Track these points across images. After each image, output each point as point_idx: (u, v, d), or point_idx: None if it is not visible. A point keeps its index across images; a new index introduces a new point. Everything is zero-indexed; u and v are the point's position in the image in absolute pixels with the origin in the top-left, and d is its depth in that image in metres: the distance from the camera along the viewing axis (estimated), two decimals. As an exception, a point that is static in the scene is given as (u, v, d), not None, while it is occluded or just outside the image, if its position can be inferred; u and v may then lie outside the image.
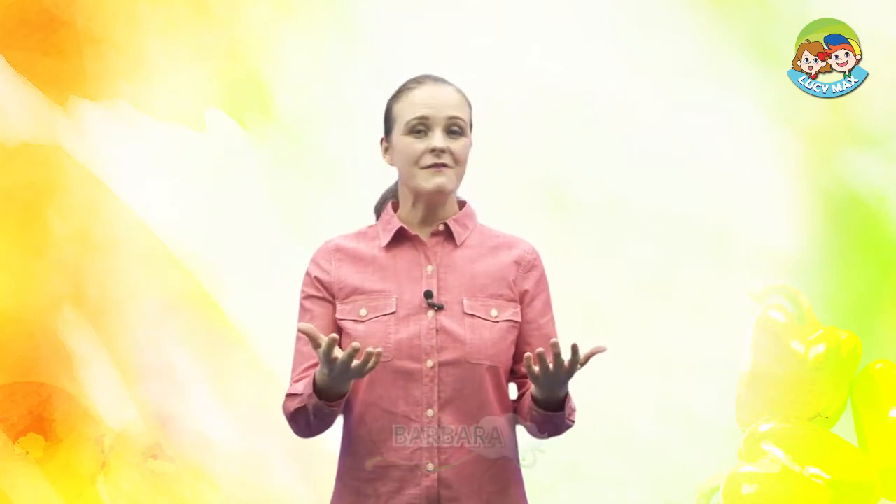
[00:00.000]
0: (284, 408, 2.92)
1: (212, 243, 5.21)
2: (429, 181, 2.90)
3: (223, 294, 5.21)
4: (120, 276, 5.24)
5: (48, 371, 5.22)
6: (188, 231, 5.22)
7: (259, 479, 5.17)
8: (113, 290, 5.24)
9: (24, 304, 5.22)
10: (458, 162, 2.91)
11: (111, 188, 5.24)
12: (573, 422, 2.95)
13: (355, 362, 2.71)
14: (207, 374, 5.21)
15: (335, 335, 2.72)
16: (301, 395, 2.87)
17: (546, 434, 2.94)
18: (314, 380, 2.82)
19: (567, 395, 2.87)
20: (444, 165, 2.89)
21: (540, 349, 2.75)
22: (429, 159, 2.89)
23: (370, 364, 2.72)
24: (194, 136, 5.23)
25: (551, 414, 2.87)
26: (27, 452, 5.19)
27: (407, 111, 2.92)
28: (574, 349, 2.74)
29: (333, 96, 5.15)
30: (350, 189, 5.07)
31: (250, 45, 5.21)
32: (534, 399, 2.87)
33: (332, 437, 3.00)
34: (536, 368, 2.76)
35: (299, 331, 2.83)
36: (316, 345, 2.74)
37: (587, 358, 2.75)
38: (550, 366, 2.74)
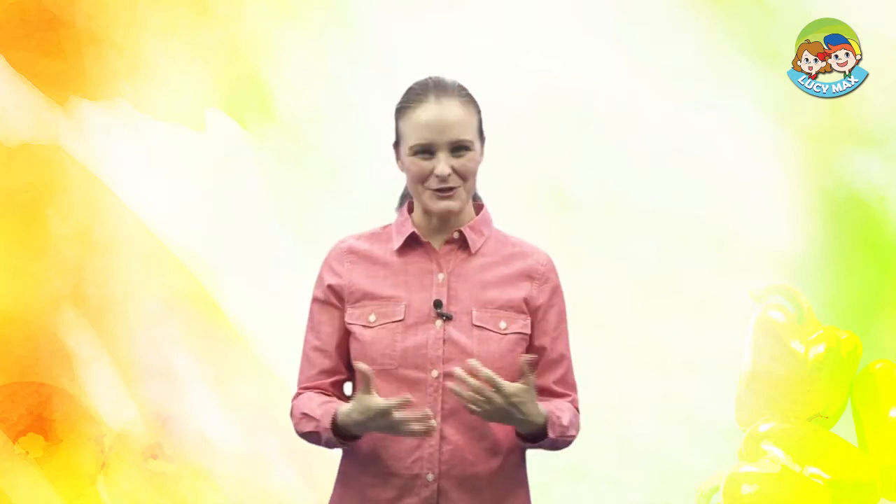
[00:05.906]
0: (296, 424, 2.93)
1: (212, 243, 5.21)
2: (436, 204, 2.87)
3: (223, 294, 5.21)
4: (120, 276, 5.23)
5: (48, 371, 5.22)
6: (188, 231, 5.22)
7: (259, 479, 5.17)
8: (113, 290, 5.24)
9: (24, 304, 5.22)
10: (466, 179, 2.87)
11: (111, 188, 5.24)
12: (572, 436, 2.92)
13: (397, 414, 2.73)
14: (207, 374, 5.21)
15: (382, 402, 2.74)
16: (318, 420, 2.87)
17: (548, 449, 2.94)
18: (335, 416, 2.83)
19: (548, 420, 2.84)
20: (450, 188, 2.86)
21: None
22: (434, 183, 2.86)
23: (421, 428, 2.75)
24: (194, 136, 5.23)
25: (535, 445, 2.88)
26: (27, 452, 5.19)
27: (411, 134, 2.87)
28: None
29: (333, 96, 5.15)
30: (350, 189, 5.08)
31: (250, 45, 5.21)
32: (518, 435, 2.87)
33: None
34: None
35: (359, 371, 2.80)
36: (367, 388, 2.75)
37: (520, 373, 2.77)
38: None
